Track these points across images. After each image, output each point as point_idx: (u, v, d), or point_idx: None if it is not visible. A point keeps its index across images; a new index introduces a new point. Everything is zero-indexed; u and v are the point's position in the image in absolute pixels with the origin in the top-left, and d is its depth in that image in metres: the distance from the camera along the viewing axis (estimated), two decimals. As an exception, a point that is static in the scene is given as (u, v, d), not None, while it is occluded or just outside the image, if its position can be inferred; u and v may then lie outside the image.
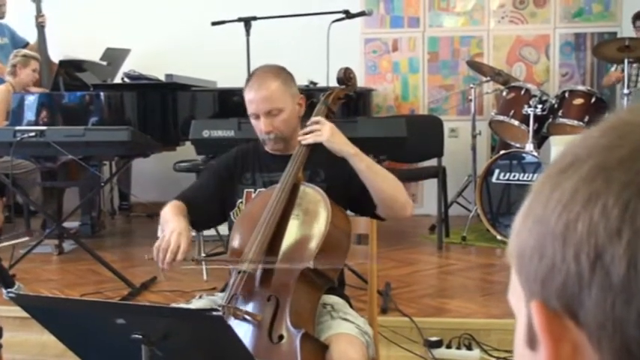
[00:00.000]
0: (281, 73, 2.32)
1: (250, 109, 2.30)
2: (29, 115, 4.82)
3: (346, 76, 2.44)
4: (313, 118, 2.28)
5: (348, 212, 2.26)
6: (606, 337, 0.43)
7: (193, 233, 2.31)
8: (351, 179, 2.20)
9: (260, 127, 2.28)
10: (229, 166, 2.38)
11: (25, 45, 5.88)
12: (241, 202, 2.32)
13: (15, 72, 5.33)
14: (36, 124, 4.65)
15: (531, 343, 0.47)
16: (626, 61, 4.79)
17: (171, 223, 2.11)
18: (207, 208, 2.34)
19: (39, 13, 5.72)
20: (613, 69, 5.55)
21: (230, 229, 2.30)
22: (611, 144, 0.45)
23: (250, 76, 2.36)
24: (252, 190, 2.32)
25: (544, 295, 0.46)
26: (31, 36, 5.91)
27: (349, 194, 2.25)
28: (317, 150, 2.23)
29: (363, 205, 2.26)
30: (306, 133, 2.23)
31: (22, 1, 5.76)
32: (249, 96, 2.29)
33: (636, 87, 5.29)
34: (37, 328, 2.62)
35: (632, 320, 0.42)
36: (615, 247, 0.42)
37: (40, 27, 5.72)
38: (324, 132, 2.20)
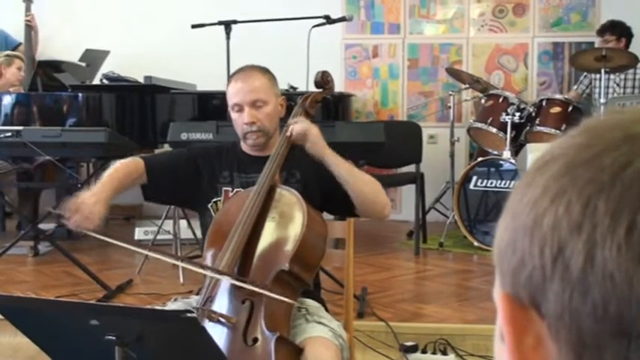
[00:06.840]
0: (268, 72, 2.38)
1: (234, 99, 2.29)
2: (5, 115, 4.78)
3: (324, 80, 2.46)
4: (297, 118, 2.28)
5: (324, 214, 2.27)
6: (564, 329, 0.45)
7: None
8: (328, 180, 2.21)
9: (243, 119, 2.28)
10: (209, 158, 2.38)
11: (17, 46, 5.88)
12: (219, 200, 2.32)
13: (0, 73, 5.33)
14: (12, 124, 4.61)
15: (503, 335, 0.49)
16: (602, 70, 4.84)
17: (97, 189, 2.15)
18: (165, 182, 2.35)
19: (27, 13, 5.70)
20: (582, 77, 5.58)
21: (203, 229, 2.30)
22: (584, 144, 0.46)
23: (236, 71, 2.38)
24: (230, 188, 2.32)
25: (514, 288, 0.47)
26: (22, 37, 5.88)
27: (325, 195, 2.26)
28: (294, 151, 2.24)
29: (341, 205, 2.27)
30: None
31: (15, 1, 5.74)
32: (234, 88, 2.30)
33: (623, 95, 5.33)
34: (10, 330, 2.60)
35: (587, 312, 0.43)
36: (575, 241, 0.44)
37: (28, 26, 5.70)
38: (313, 130, 2.22)
